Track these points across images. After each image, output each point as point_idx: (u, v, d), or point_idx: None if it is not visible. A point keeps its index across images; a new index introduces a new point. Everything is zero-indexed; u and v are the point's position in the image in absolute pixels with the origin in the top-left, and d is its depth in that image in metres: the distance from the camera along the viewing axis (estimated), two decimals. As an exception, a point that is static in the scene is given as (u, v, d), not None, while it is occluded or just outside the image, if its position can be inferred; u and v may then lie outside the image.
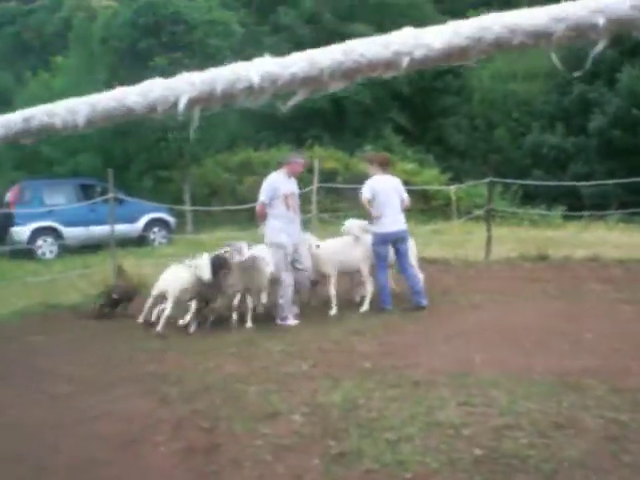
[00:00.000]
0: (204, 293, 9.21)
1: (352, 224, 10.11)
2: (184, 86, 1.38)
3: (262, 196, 9.55)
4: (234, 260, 8.98)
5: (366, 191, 9.87)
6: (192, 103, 1.36)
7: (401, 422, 5.15)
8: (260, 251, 9.31)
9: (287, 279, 9.27)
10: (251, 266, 9.01)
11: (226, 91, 1.34)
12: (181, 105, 1.37)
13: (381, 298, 9.55)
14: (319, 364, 7.01)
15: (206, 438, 5.19)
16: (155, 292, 9.23)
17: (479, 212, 16.33)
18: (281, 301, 9.26)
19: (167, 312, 8.73)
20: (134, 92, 1.42)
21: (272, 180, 9.62)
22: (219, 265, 9.03)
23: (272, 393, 6.05)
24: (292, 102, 1.38)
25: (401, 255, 9.64)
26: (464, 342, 7.77)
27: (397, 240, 9.64)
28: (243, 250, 9.03)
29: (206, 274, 8.77)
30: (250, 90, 1.34)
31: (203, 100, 1.36)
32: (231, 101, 1.36)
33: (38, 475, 4.86)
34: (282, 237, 9.34)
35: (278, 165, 10.12)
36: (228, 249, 9.22)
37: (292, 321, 9.22)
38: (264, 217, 9.57)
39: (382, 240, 9.58)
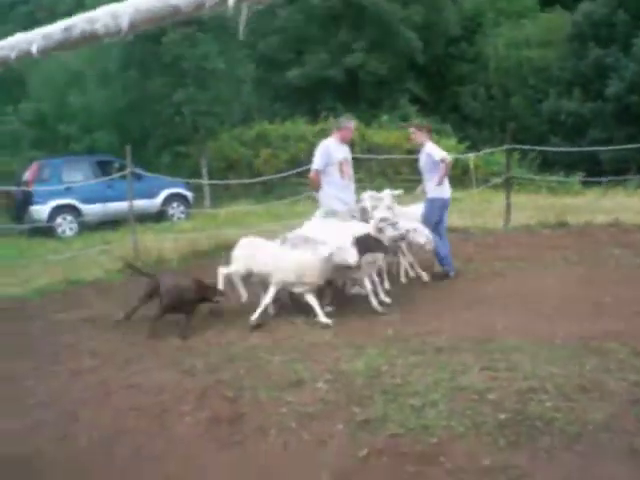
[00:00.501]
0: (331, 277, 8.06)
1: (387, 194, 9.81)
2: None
3: (316, 163, 9.25)
4: (389, 235, 8.18)
5: (445, 154, 9.66)
6: None
7: (425, 388, 5.17)
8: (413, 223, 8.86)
9: None
10: (404, 240, 8.69)
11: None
12: (231, 1, 1.36)
13: (444, 263, 9.53)
14: (342, 333, 7.03)
15: (231, 407, 5.24)
16: (241, 270, 8.37)
17: (498, 180, 16.24)
18: None
19: (267, 300, 7.82)
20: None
21: (326, 146, 9.30)
22: (370, 247, 7.87)
23: (296, 362, 6.08)
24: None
25: (443, 222, 9.71)
26: (486, 309, 7.79)
27: (447, 206, 9.79)
28: (399, 224, 8.38)
29: (352, 258, 7.46)
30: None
31: None
32: None
33: (57, 442, 4.94)
34: (337, 204, 9.13)
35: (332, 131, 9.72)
36: (383, 224, 8.19)
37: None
38: (318, 184, 9.22)
39: (444, 205, 9.65)
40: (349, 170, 9.40)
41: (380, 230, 8.16)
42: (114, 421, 5.28)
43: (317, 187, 9.28)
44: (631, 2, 28.79)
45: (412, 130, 10.12)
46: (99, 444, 4.94)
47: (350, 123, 9.59)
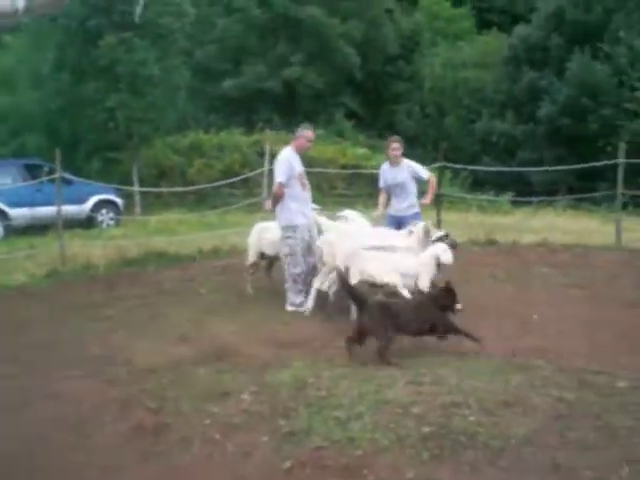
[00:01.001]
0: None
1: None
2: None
3: (280, 176, 8.76)
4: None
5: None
6: None
7: (350, 400, 5.15)
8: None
9: (302, 264, 8.70)
10: None
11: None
12: None
13: None
14: (268, 344, 6.99)
15: (154, 418, 5.15)
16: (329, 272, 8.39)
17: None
18: (293, 286, 8.70)
19: None
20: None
21: (287, 158, 8.88)
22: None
23: (221, 373, 6.02)
24: None
25: None
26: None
27: None
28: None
29: (450, 258, 7.84)
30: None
31: None
32: None
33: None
34: (300, 218, 8.77)
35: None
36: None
37: (307, 307, 8.50)
38: (282, 198, 8.77)
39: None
40: (307, 183, 9.20)
41: None
42: (34, 430, 5.13)
43: (279, 201, 8.81)
44: (566, 27, 29.52)
45: (397, 146, 9.90)
46: (18, 454, 4.79)
47: (306, 132, 9.12)
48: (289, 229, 8.75)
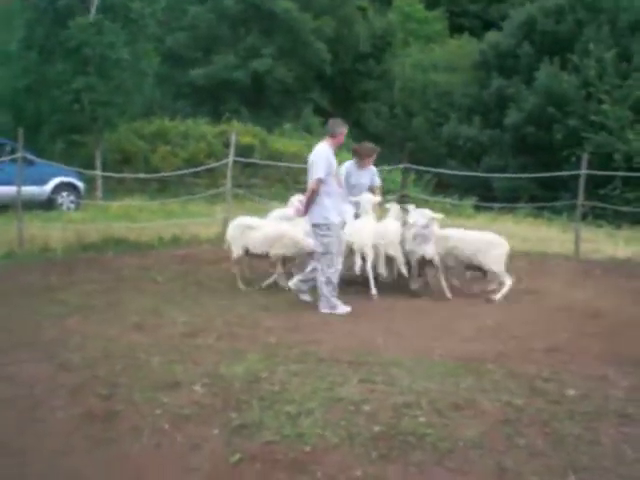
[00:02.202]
0: None
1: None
2: None
3: (320, 172, 8.43)
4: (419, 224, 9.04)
5: None
6: None
7: (303, 396, 5.16)
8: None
9: (337, 264, 8.56)
10: None
11: None
12: None
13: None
14: (224, 337, 6.98)
15: (105, 405, 5.11)
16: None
17: (392, 197, 16.48)
18: (327, 287, 8.46)
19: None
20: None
21: (326, 153, 8.58)
22: None
23: (174, 363, 5.98)
24: None
25: None
26: (368, 322, 7.90)
27: None
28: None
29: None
30: None
31: None
32: None
33: None
34: (335, 216, 8.53)
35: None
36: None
37: (343, 308, 8.49)
38: (316, 195, 8.50)
39: None
40: (340, 180, 9.12)
41: None
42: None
43: (314, 198, 8.51)
44: (536, 36, 29.77)
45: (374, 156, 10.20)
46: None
47: (344, 129, 8.89)
48: (323, 227, 8.46)
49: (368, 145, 10.38)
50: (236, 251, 9.62)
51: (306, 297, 8.95)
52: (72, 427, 4.81)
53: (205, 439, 4.56)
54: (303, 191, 9.86)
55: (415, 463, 4.27)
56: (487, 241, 9.37)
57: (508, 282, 9.21)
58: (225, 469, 4.24)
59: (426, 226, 9.05)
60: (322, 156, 8.54)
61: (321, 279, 8.47)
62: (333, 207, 8.56)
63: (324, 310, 8.41)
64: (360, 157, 10.09)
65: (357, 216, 9.63)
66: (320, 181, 8.43)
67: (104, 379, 5.59)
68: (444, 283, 9.33)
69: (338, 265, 8.56)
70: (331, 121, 8.95)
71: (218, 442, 4.52)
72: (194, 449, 4.46)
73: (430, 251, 9.10)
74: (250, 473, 4.19)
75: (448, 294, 9.27)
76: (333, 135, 8.74)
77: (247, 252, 9.67)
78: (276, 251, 9.36)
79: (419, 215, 9.16)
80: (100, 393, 5.30)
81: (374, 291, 9.13)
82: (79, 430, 4.77)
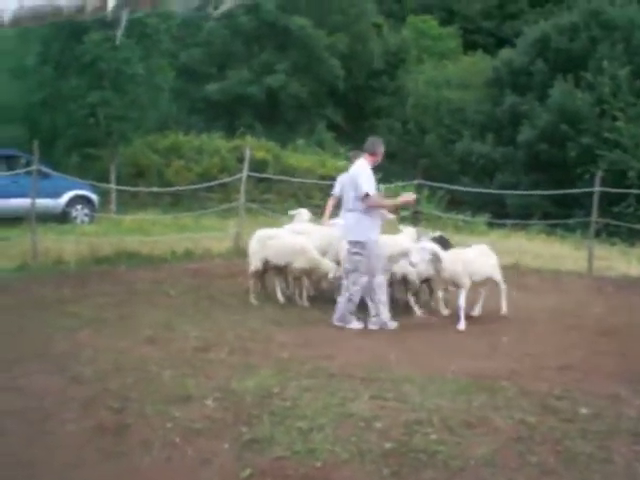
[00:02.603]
0: None
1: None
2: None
3: (369, 188, 8.38)
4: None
5: None
6: (121, 5, 1.34)
7: (314, 412, 5.15)
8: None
9: (362, 283, 8.48)
10: None
11: (157, -7, 1.32)
12: (110, 6, 1.34)
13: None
14: (236, 351, 6.98)
15: (116, 418, 5.12)
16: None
17: (405, 213, 16.47)
18: (347, 305, 8.44)
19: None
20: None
21: (369, 170, 8.53)
22: None
23: (186, 377, 5.99)
24: (221, 10, 1.35)
25: None
26: (381, 338, 7.88)
27: None
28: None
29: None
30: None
31: (132, 2, 1.34)
32: (161, 5, 1.34)
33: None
34: (372, 235, 8.47)
35: (353, 154, 9.29)
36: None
37: (392, 323, 8.50)
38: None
39: None
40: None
41: None
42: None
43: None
44: (550, 53, 29.79)
45: None
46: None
47: (383, 147, 8.86)
48: (358, 245, 8.40)
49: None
50: (255, 264, 9.55)
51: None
52: (83, 440, 4.81)
53: (216, 453, 4.55)
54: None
55: (426, 481, 4.25)
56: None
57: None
58: (236, 484, 4.23)
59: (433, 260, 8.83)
60: (366, 172, 8.49)
61: (345, 294, 8.45)
62: (372, 226, 8.53)
63: (337, 323, 8.42)
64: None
65: None
66: (368, 197, 8.40)
67: (115, 392, 5.60)
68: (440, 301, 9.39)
69: (364, 284, 8.47)
70: (371, 139, 8.90)
71: (229, 457, 4.51)
72: (204, 463, 4.45)
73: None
74: (261, 488, 4.19)
75: (444, 311, 9.28)
76: (373, 154, 8.69)
77: (266, 265, 9.61)
78: (297, 265, 9.31)
79: (420, 254, 8.83)
80: (111, 406, 5.30)
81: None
82: (90, 443, 4.77)
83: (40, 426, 5.02)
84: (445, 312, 9.22)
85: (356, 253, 8.37)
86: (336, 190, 10.10)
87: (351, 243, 8.47)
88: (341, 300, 8.49)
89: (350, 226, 8.56)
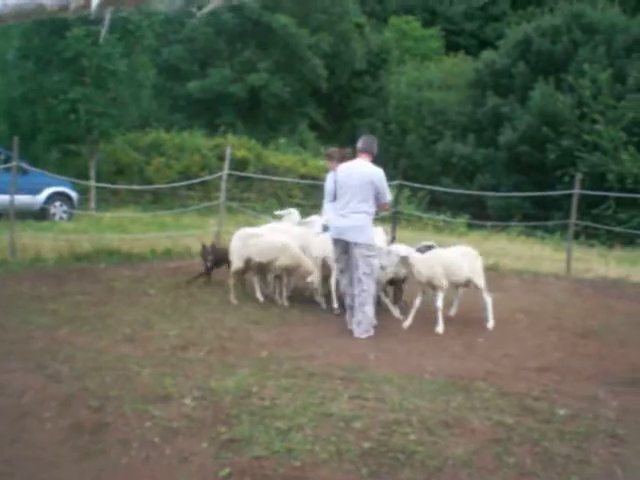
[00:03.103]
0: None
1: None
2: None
3: (389, 194, 8.65)
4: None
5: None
6: (105, 4, 1.34)
7: (293, 412, 5.16)
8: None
9: (374, 286, 8.48)
10: None
11: (141, -9, 1.32)
12: (94, 5, 1.34)
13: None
14: (215, 350, 6.96)
15: (94, 417, 5.09)
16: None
17: (385, 214, 16.50)
18: (371, 308, 8.22)
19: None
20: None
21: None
22: None
23: (165, 376, 5.96)
24: (206, 9, 1.35)
25: None
26: (360, 339, 7.88)
27: None
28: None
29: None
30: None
31: (116, 0, 1.34)
32: (144, 3, 1.34)
33: None
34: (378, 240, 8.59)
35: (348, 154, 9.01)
36: None
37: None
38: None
39: None
40: None
41: None
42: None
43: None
44: (531, 55, 29.97)
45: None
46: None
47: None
48: (372, 248, 8.31)
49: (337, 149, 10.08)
50: (237, 263, 9.52)
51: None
52: (61, 438, 4.79)
53: (194, 453, 4.54)
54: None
55: (404, 481, 4.27)
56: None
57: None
58: (214, 484, 4.23)
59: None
60: (384, 178, 8.49)
61: (369, 300, 8.23)
62: (375, 231, 8.70)
63: (364, 335, 8.05)
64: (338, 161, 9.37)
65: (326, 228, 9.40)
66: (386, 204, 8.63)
67: (94, 391, 5.57)
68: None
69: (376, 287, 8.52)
70: (369, 139, 8.76)
71: (207, 456, 4.50)
72: (183, 462, 4.44)
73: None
74: (239, 488, 4.18)
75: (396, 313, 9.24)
76: (372, 153, 8.62)
77: (248, 264, 9.57)
78: (281, 262, 9.28)
79: (389, 257, 8.83)
80: (90, 405, 5.27)
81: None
82: (68, 441, 4.74)
83: (18, 424, 4.99)
84: (396, 314, 9.16)
85: (370, 256, 8.22)
86: (331, 189, 9.01)
87: (365, 246, 8.21)
88: (363, 308, 8.15)
89: (360, 228, 8.23)
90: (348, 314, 8.40)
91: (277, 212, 11.33)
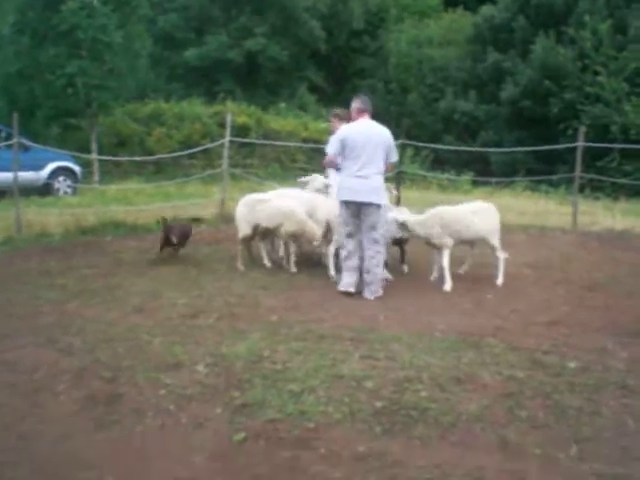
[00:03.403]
0: None
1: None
2: None
3: (396, 153, 8.62)
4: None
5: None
6: None
7: (305, 374, 5.20)
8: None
9: None
10: None
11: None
12: None
13: None
14: (224, 317, 6.98)
15: (108, 387, 5.13)
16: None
17: (389, 174, 16.45)
18: (380, 270, 8.23)
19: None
20: None
21: None
22: None
23: (176, 344, 6.00)
24: None
25: None
26: (369, 300, 7.88)
27: None
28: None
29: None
30: None
31: None
32: None
33: None
34: None
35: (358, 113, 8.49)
36: None
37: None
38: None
39: None
40: None
41: None
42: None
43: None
44: (531, 9, 29.64)
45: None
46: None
47: None
48: (386, 209, 8.41)
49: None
50: (244, 229, 9.50)
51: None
52: (75, 410, 4.82)
53: (209, 418, 4.58)
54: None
55: (418, 437, 4.30)
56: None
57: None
58: (229, 447, 4.26)
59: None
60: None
61: (382, 261, 8.27)
62: None
63: (374, 296, 8.04)
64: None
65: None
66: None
67: (106, 362, 5.61)
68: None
69: None
70: (366, 98, 8.62)
71: (222, 421, 4.54)
72: (198, 428, 4.48)
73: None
74: (254, 451, 4.21)
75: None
76: (370, 112, 8.49)
77: (255, 230, 9.55)
78: (287, 228, 9.25)
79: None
80: (103, 376, 5.31)
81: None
82: (83, 413, 4.78)
83: (32, 399, 5.02)
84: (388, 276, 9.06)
85: (383, 216, 8.20)
86: (336, 149, 8.43)
87: (383, 207, 8.18)
88: (379, 268, 8.17)
89: (378, 189, 8.10)
90: (347, 275, 8.22)
91: (300, 179, 10.97)
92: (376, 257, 8.08)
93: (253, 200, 9.55)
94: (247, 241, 9.75)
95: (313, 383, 5.02)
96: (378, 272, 8.11)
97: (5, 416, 4.78)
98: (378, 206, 8.03)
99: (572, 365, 5.55)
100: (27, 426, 4.64)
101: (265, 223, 9.33)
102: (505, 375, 5.26)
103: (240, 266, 9.45)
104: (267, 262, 9.73)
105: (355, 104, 8.52)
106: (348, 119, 8.82)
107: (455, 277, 8.68)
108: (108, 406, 4.85)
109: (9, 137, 14.15)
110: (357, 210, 8.10)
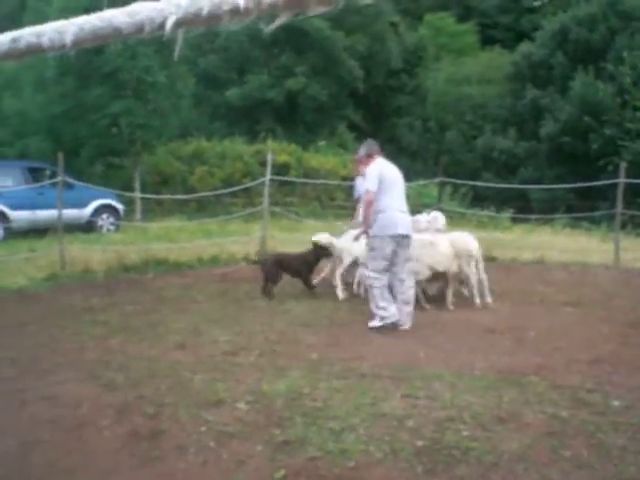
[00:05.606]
0: None
1: None
2: (171, 8, 1.41)
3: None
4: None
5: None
6: (178, 24, 1.40)
7: (346, 412, 5.19)
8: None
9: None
10: None
11: (212, 12, 1.38)
12: (168, 26, 1.40)
13: None
14: (265, 354, 7.01)
15: (150, 424, 5.16)
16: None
17: (428, 211, 16.45)
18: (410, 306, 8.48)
19: None
20: (122, 13, 1.46)
21: None
22: None
23: (217, 382, 6.03)
24: (275, 24, 1.40)
25: None
26: (409, 337, 7.87)
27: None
28: None
29: None
30: (235, 11, 1.37)
31: (189, 21, 1.40)
32: (216, 22, 1.39)
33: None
34: None
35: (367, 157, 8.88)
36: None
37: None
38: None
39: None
40: None
41: None
42: (29, 432, 5.14)
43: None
44: (569, 45, 29.64)
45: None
46: (13, 454, 4.81)
47: None
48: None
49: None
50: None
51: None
52: (119, 446, 4.86)
53: (250, 456, 4.59)
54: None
55: (460, 477, 4.26)
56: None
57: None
58: (270, 485, 4.27)
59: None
60: None
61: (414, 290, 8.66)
62: None
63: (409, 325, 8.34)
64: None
65: None
66: None
67: (149, 398, 5.66)
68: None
69: None
70: (373, 141, 9.15)
71: (262, 458, 4.54)
72: (239, 466, 4.49)
73: None
74: (295, 489, 4.22)
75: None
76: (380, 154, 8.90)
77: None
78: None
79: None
80: (145, 412, 5.36)
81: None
82: (125, 449, 4.82)
83: (76, 434, 5.08)
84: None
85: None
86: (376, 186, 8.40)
87: (409, 238, 8.47)
88: (412, 298, 8.51)
89: (409, 224, 8.58)
90: (392, 307, 8.26)
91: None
92: (413, 288, 8.51)
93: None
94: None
95: (354, 421, 5.00)
96: (411, 301, 8.47)
97: (49, 451, 4.84)
98: (410, 239, 8.50)
99: (616, 403, 5.48)
100: (71, 461, 4.68)
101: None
102: (548, 414, 5.20)
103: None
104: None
105: (368, 149, 8.91)
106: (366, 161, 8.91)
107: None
108: (151, 442, 4.88)
109: (54, 175, 14.43)
110: (396, 244, 8.26)
